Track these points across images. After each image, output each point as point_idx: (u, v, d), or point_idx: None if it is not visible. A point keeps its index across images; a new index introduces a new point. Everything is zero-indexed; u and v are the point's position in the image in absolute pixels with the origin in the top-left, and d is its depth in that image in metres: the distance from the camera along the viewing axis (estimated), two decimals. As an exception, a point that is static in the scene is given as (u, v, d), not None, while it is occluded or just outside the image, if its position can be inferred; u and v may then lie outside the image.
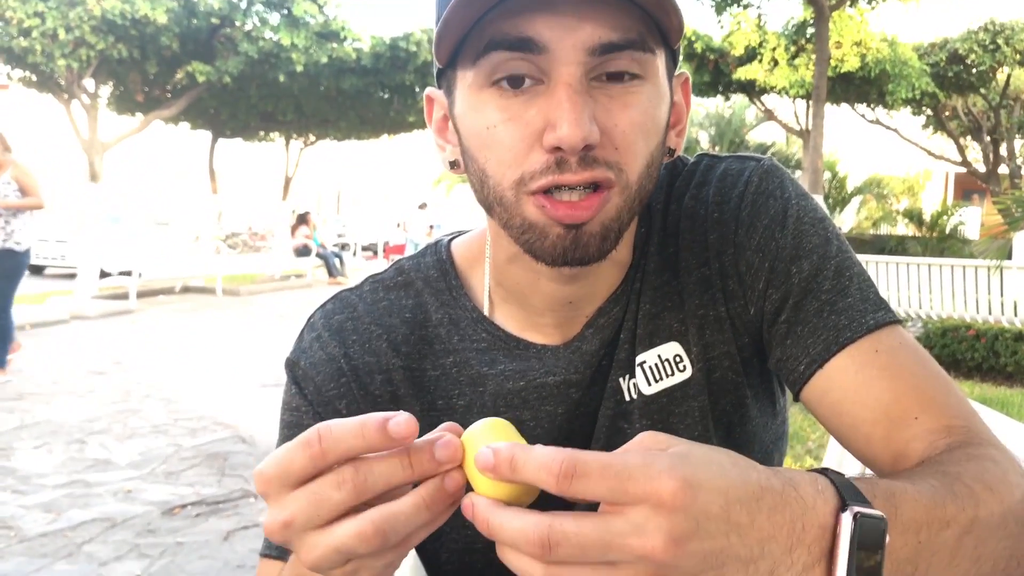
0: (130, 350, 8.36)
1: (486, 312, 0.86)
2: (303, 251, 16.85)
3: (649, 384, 0.83)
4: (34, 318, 9.86)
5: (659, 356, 0.83)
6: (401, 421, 0.52)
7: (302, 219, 17.27)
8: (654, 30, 0.71)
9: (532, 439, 0.82)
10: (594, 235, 0.71)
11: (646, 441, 0.52)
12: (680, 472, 0.47)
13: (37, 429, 5.26)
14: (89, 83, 18.44)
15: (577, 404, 0.84)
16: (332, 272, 16.85)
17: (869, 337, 0.76)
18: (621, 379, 0.84)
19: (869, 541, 0.52)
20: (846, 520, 0.51)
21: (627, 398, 0.84)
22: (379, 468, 0.53)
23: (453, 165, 0.80)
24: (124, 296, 11.91)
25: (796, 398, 0.82)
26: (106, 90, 19.61)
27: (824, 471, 0.56)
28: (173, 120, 20.61)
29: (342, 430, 0.52)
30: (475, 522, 0.51)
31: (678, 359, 0.83)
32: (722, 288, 0.83)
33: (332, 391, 0.85)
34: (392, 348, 0.86)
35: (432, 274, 0.89)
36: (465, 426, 0.85)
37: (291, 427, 0.87)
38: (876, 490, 0.56)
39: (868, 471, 0.77)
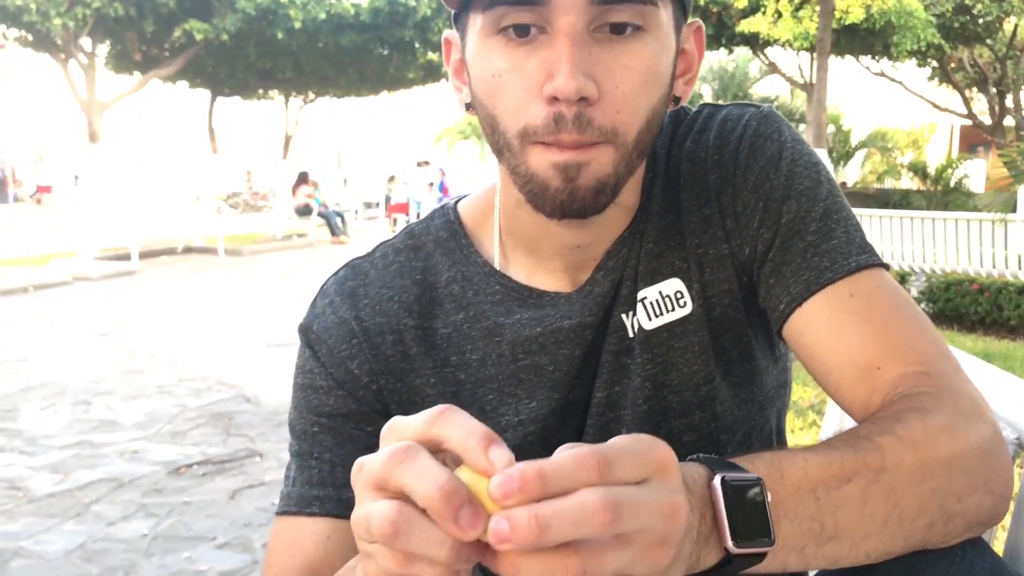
0: (133, 311, 8.38)
1: (497, 266, 0.88)
2: (304, 210, 16.80)
3: (650, 319, 0.85)
4: (36, 280, 9.88)
5: (660, 292, 0.85)
6: (500, 457, 0.49)
7: (303, 178, 17.18)
8: None
9: (552, 382, 0.86)
10: (589, 189, 0.73)
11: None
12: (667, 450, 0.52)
13: (43, 391, 5.29)
14: (86, 42, 18.27)
15: (591, 345, 0.86)
16: (334, 231, 16.81)
17: (847, 280, 0.78)
18: (624, 315, 0.86)
19: (745, 498, 0.57)
20: (716, 484, 0.58)
21: (629, 333, 0.86)
22: (423, 464, 0.50)
23: (468, 106, 0.82)
24: (126, 257, 11.91)
25: (779, 337, 0.84)
26: (103, 49, 19.43)
27: (701, 456, 0.62)
28: (171, 79, 20.45)
29: (457, 424, 0.51)
30: (524, 486, 0.47)
31: (679, 295, 0.85)
32: (722, 227, 0.85)
33: (344, 352, 0.86)
34: (403, 308, 0.88)
35: (442, 235, 0.92)
36: (481, 377, 0.83)
37: (304, 389, 0.89)
38: (758, 461, 0.62)
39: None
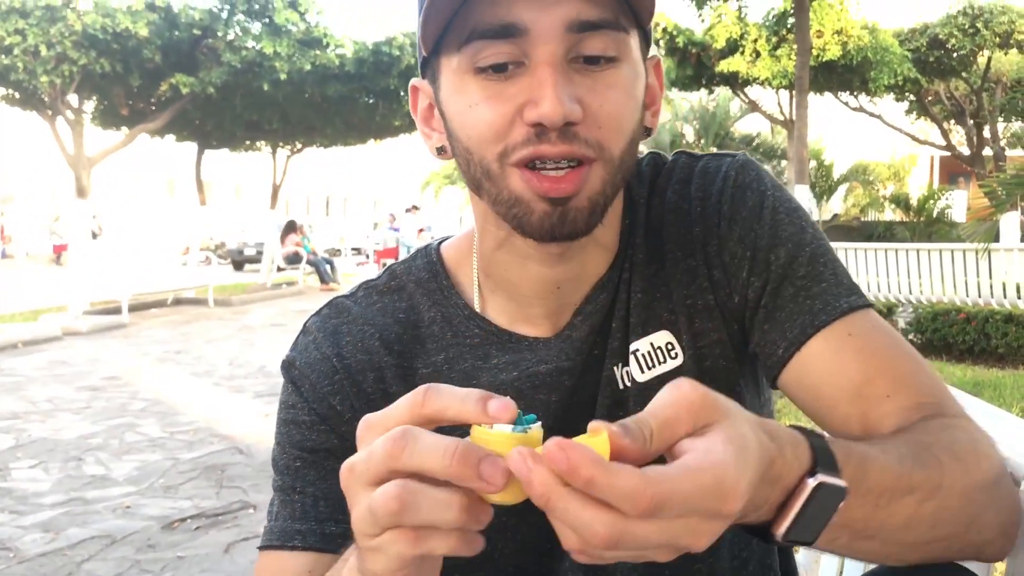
0: (124, 364, 8.34)
1: (477, 308, 0.88)
2: (294, 258, 16.82)
3: (642, 371, 0.85)
4: (26, 335, 9.83)
5: (651, 344, 0.85)
6: (502, 406, 0.51)
7: (291, 226, 17.23)
8: (627, 11, 0.74)
9: None
10: (581, 209, 0.73)
11: (689, 396, 0.52)
12: (735, 471, 0.49)
13: (33, 448, 5.24)
14: (73, 98, 18.35)
15: (571, 392, 0.86)
16: (324, 279, 16.83)
17: (843, 320, 0.79)
18: (615, 367, 0.86)
19: (822, 505, 0.56)
20: (809, 483, 0.56)
21: (621, 386, 0.86)
22: (428, 439, 0.51)
23: (440, 151, 0.82)
24: (116, 310, 11.88)
25: (772, 384, 0.85)
26: (90, 105, 19.51)
27: (808, 433, 0.59)
28: (159, 133, 20.51)
29: (448, 394, 0.52)
30: (570, 474, 0.46)
31: (670, 346, 0.85)
32: (708, 278, 0.86)
33: (326, 388, 0.87)
34: (384, 346, 0.88)
35: (423, 276, 0.92)
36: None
37: (287, 424, 0.89)
38: (851, 455, 0.60)
39: None
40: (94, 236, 14.23)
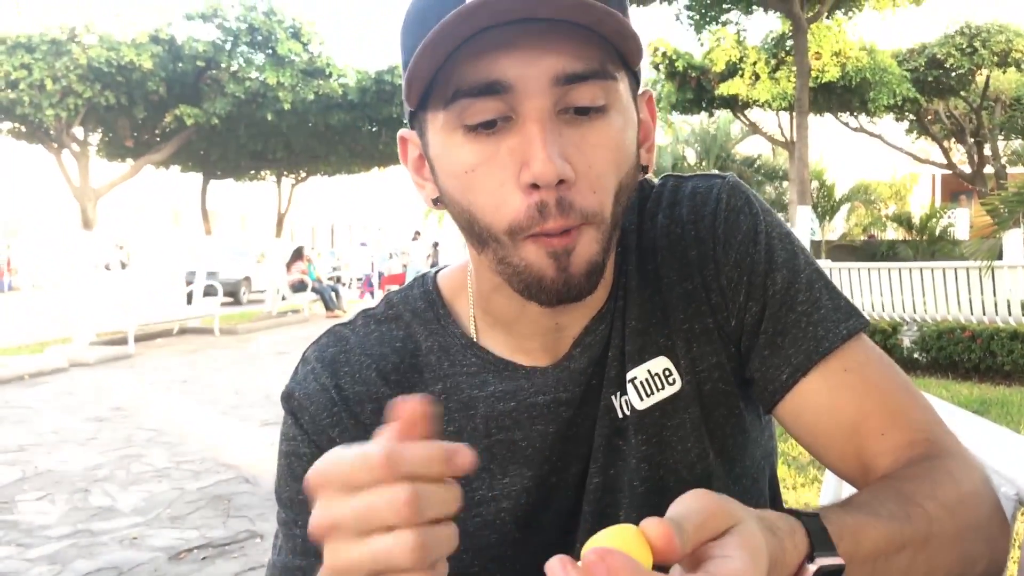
0: (130, 395, 8.35)
1: (474, 338, 0.88)
2: (299, 286, 16.86)
3: (641, 399, 0.84)
4: (32, 367, 9.85)
5: (649, 371, 0.85)
6: (466, 455, 0.53)
7: (297, 254, 17.30)
8: (615, 57, 0.72)
9: (525, 459, 0.85)
10: (581, 274, 0.73)
11: (714, 502, 0.54)
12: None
13: (39, 480, 5.25)
14: (78, 131, 18.54)
15: (569, 423, 0.85)
16: (329, 306, 16.85)
17: (840, 352, 0.81)
18: (613, 397, 0.85)
19: None
20: (810, 571, 0.58)
21: (620, 415, 0.85)
22: (438, 493, 0.53)
23: (436, 202, 0.81)
24: (123, 341, 11.90)
25: (768, 411, 0.85)
26: (95, 137, 19.70)
27: (802, 516, 0.61)
28: (163, 164, 20.70)
29: (411, 452, 0.53)
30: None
31: (667, 372, 0.85)
32: (707, 301, 0.85)
33: (326, 420, 0.86)
34: (381, 377, 0.87)
35: (419, 305, 0.91)
36: None
37: (288, 456, 0.89)
38: (844, 530, 0.62)
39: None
40: (123, 266, 14.28)
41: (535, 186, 0.69)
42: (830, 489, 1.35)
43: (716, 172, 0.92)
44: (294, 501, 0.87)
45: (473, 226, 0.75)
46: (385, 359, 0.88)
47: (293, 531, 0.86)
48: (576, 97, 0.70)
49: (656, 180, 0.94)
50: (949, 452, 0.76)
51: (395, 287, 1.00)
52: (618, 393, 0.85)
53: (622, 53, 0.73)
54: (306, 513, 0.85)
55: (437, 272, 0.96)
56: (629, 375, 0.85)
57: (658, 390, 0.85)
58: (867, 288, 9.53)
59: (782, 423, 0.84)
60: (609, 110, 0.72)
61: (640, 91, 0.82)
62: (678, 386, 0.85)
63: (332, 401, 0.87)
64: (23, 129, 18.06)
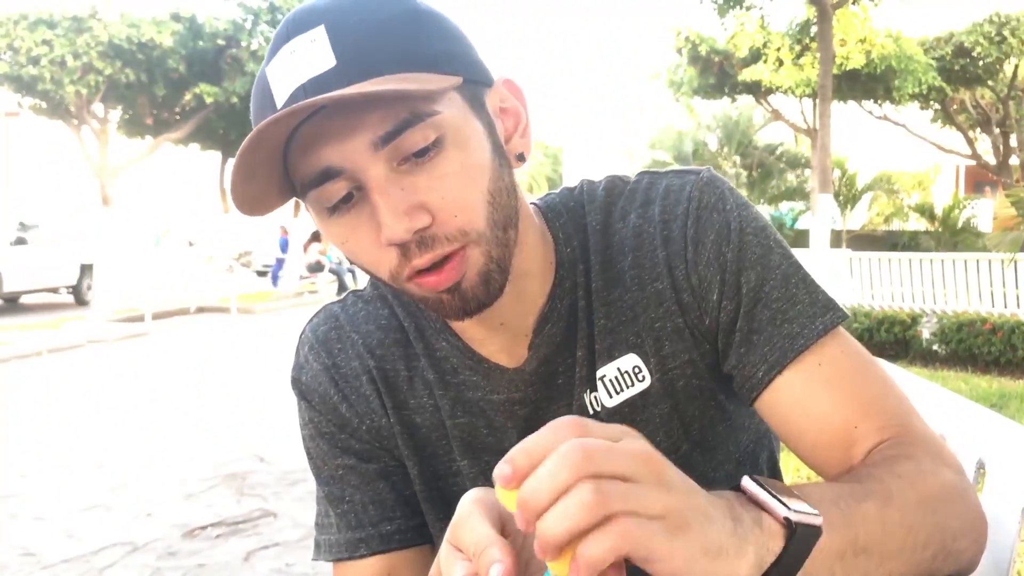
0: (147, 373, 8.42)
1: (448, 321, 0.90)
2: (316, 267, 16.91)
3: (611, 396, 0.87)
4: (50, 344, 9.94)
5: (618, 368, 0.87)
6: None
7: (315, 236, 17.35)
8: (426, 90, 0.71)
9: (485, 445, 0.89)
10: (476, 287, 0.76)
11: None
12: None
13: (55, 455, 5.30)
14: (98, 108, 18.62)
15: (533, 421, 0.86)
16: (345, 287, 16.90)
17: (816, 347, 0.81)
18: (584, 395, 0.88)
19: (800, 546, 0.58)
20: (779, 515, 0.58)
21: (591, 412, 0.87)
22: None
23: None
24: (140, 319, 11.99)
25: (748, 404, 0.86)
26: (115, 114, 19.78)
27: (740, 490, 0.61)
28: (183, 142, 20.77)
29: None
30: None
31: (637, 370, 0.87)
32: (677, 301, 0.86)
33: (334, 397, 0.91)
34: (368, 351, 0.92)
35: None
36: (434, 423, 0.90)
37: (315, 438, 0.93)
38: (800, 490, 0.62)
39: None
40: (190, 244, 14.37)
41: (395, 244, 0.73)
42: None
43: (692, 168, 0.92)
44: (335, 477, 0.92)
45: (370, 275, 0.82)
46: (371, 335, 0.93)
47: (342, 507, 0.91)
48: (405, 147, 0.71)
49: (632, 178, 0.94)
50: (914, 439, 0.78)
51: None
52: (589, 391, 0.88)
53: (430, 84, 0.72)
54: (349, 486, 0.91)
55: None
56: (599, 372, 0.87)
57: (627, 387, 0.87)
58: (887, 278, 9.45)
59: (762, 416, 0.85)
60: (444, 140, 0.73)
61: (496, 79, 0.81)
62: (647, 383, 0.87)
63: (333, 379, 0.92)
64: (44, 105, 18.15)
